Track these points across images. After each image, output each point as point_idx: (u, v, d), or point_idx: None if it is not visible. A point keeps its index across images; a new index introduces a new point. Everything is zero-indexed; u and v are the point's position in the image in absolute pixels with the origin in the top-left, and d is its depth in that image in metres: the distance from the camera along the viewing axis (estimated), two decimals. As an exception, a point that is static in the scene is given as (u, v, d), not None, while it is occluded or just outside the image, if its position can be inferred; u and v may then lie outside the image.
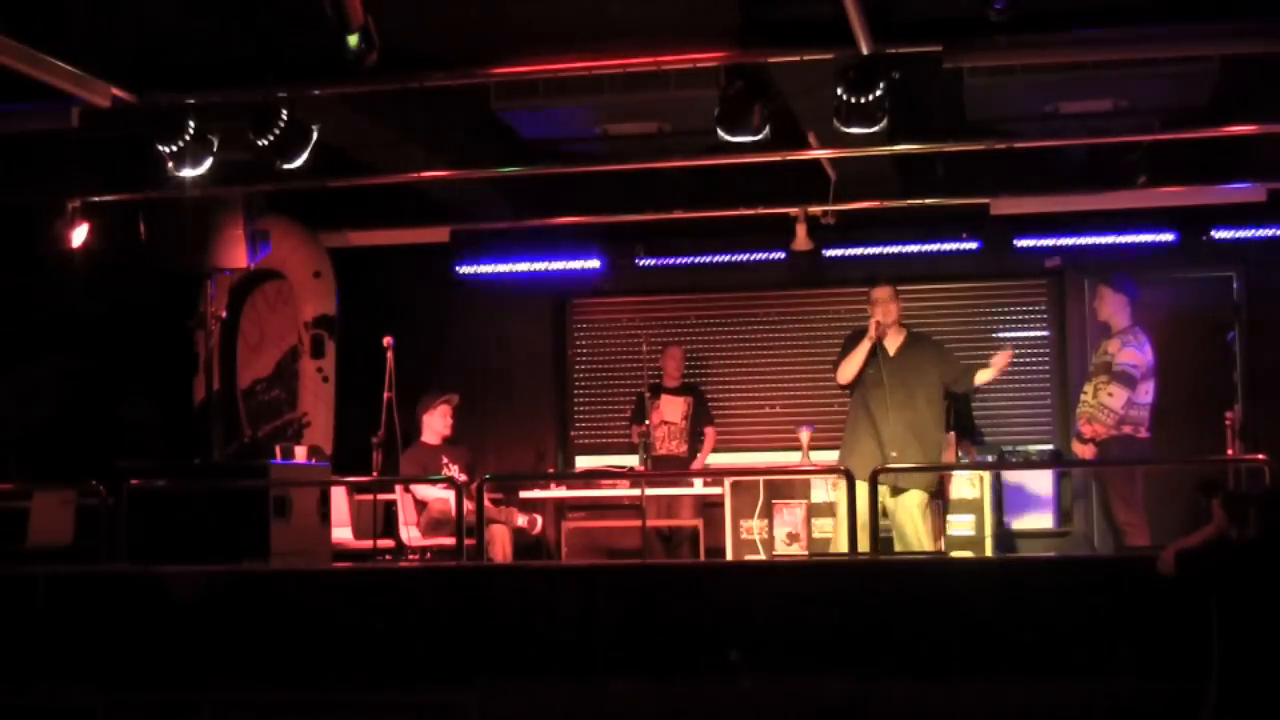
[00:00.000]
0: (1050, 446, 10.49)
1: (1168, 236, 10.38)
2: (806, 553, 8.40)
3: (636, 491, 9.04)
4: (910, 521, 8.01)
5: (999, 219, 10.13)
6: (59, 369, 10.12)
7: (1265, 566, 5.13)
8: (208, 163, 7.92)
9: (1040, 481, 10.34)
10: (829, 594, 6.45)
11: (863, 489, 7.38)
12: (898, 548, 8.00)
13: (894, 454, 7.92)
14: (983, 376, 8.22)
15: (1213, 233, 10.32)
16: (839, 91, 7.11)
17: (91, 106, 7.58)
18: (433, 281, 11.39)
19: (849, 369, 8.17)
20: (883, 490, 7.83)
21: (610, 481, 9.66)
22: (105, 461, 8.04)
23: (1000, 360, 8.15)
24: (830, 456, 9.67)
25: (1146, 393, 8.37)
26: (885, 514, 7.92)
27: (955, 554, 8.17)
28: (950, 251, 10.76)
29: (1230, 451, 8.62)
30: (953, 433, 8.84)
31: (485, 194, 10.25)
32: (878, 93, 7.05)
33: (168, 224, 9.33)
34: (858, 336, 8.24)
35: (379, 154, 9.26)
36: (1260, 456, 7.29)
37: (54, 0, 6.95)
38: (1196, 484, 5.72)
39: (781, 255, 10.62)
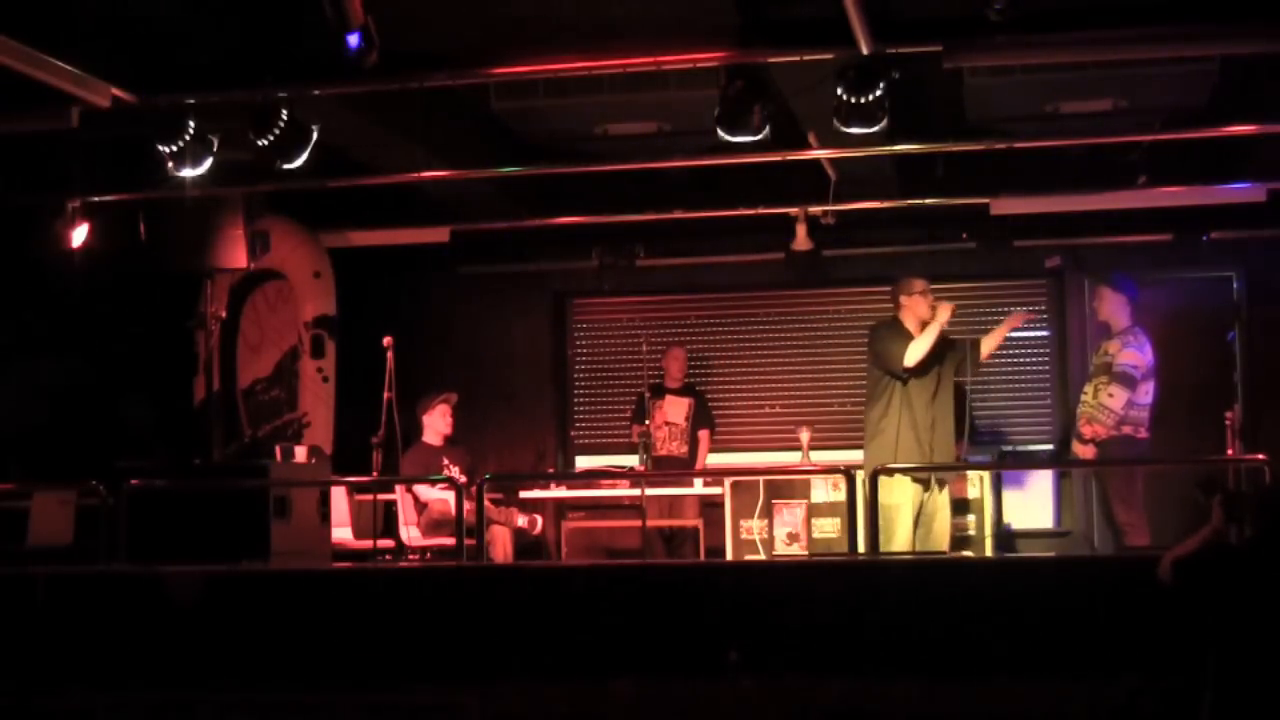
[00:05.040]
0: (1050, 446, 10.49)
1: (1168, 237, 10.38)
2: (806, 553, 8.40)
3: (637, 491, 9.04)
4: (945, 520, 8.09)
5: (999, 219, 10.12)
6: (59, 369, 10.10)
7: (1262, 571, 5.11)
8: (208, 163, 7.91)
9: (1040, 481, 10.36)
10: (829, 594, 6.45)
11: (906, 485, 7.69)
12: (923, 545, 7.99)
13: (935, 450, 7.97)
14: (988, 345, 8.30)
15: (1212, 233, 10.32)
16: (839, 91, 7.10)
17: (91, 106, 7.57)
18: (433, 281, 11.40)
19: (919, 352, 7.98)
20: (915, 488, 7.93)
21: (610, 481, 9.66)
22: (105, 461, 8.04)
23: (1012, 320, 8.43)
24: (830, 456, 9.70)
25: (1147, 393, 8.36)
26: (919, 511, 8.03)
27: (955, 554, 8.17)
28: (950, 251, 10.76)
29: (1230, 451, 8.62)
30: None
31: (485, 194, 10.25)
32: (878, 93, 7.04)
33: (168, 224, 9.33)
34: (895, 328, 8.17)
35: (379, 154, 9.25)
36: (1260, 456, 7.31)
37: (54, 0, 6.94)
38: (1196, 482, 5.68)
39: (781, 255, 10.62)
